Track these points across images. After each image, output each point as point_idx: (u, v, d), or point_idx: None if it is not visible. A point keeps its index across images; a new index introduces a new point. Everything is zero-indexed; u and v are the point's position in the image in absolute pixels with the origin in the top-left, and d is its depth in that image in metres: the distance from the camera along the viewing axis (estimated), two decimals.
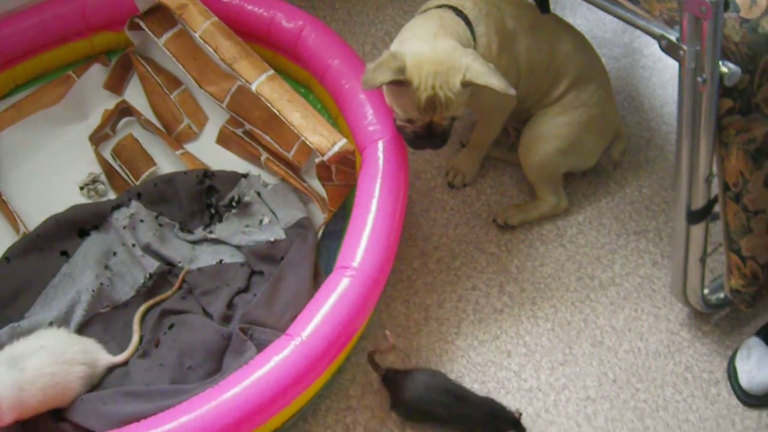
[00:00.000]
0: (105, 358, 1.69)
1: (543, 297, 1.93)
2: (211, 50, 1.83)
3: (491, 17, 1.78)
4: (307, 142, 1.73)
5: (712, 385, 1.84)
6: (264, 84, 1.80)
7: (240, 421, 1.47)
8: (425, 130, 1.73)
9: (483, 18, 1.77)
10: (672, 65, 2.27)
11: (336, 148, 1.72)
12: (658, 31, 1.44)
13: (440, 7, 1.75)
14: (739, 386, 1.83)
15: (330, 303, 1.59)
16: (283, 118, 1.76)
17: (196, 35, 1.84)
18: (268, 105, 1.78)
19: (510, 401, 1.78)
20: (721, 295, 1.87)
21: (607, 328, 1.90)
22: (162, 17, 1.96)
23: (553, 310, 1.91)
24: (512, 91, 1.63)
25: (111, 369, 1.71)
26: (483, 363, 1.83)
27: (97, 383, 1.68)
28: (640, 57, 2.34)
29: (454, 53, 1.64)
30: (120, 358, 1.71)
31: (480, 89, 1.70)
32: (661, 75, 2.31)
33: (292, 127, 1.75)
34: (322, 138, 1.73)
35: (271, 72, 1.83)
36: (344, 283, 1.61)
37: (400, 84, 1.63)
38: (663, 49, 1.43)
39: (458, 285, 1.93)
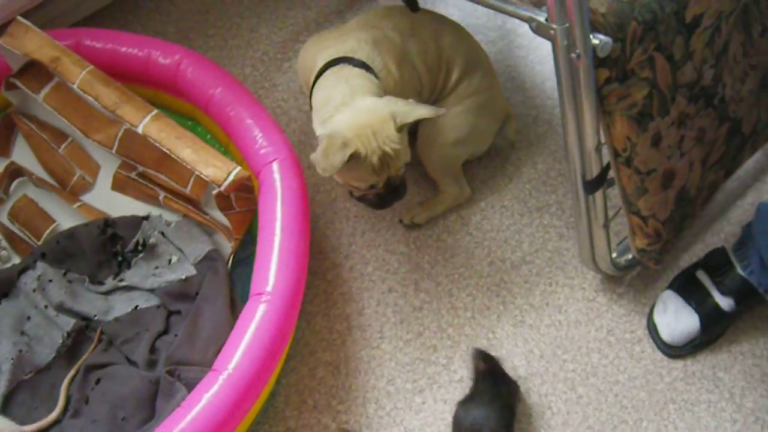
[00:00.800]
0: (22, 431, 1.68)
1: (459, 287, 1.96)
2: (92, 99, 1.81)
3: (378, 43, 1.80)
4: (202, 176, 1.72)
5: (636, 344, 1.90)
6: (150, 125, 1.78)
7: None
8: (387, 188, 1.75)
9: (372, 50, 1.79)
10: (546, 42, 2.31)
11: (231, 177, 1.72)
12: (526, 14, 1.47)
13: (333, 64, 1.76)
14: (661, 340, 1.89)
15: (250, 332, 1.59)
16: (174, 156, 1.75)
17: (74, 86, 1.82)
18: (158, 145, 1.77)
19: (444, 395, 1.81)
20: (629, 257, 1.93)
21: (526, 306, 1.94)
22: (37, 73, 1.92)
23: (470, 299, 1.94)
24: (442, 112, 1.68)
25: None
26: (411, 362, 1.86)
27: None
28: (515, 37, 2.38)
29: (377, 107, 1.66)
30: (35, 426, 1.69)
31: None
32: (537, 52, 2.35)
33: (184, 163, 1.74)
34: (216, 169, 1.73)
35: (155, 111, 1.81)
36: (261, 309, 1.61)
37: (350, 159, 1.63)
38: (534, 31, 1.46)
39: (374, 290, 1.95)
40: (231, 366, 1.55)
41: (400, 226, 2.05)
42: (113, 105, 1.81)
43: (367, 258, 2.00)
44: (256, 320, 1.61)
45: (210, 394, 1.53)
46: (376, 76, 1.76)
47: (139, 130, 1.79)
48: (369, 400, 1.81)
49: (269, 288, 1.64)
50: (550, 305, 1.94)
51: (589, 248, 1.84)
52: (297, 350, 1.87)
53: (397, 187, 1.79)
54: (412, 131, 1.95)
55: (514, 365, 1.85)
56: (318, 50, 1.81)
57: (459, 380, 1.83)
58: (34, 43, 1.85)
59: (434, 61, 1.90)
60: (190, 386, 1.61)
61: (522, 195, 2.10)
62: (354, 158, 1.64)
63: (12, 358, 1.76)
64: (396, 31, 1.85)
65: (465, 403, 1.74)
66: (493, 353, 1.84)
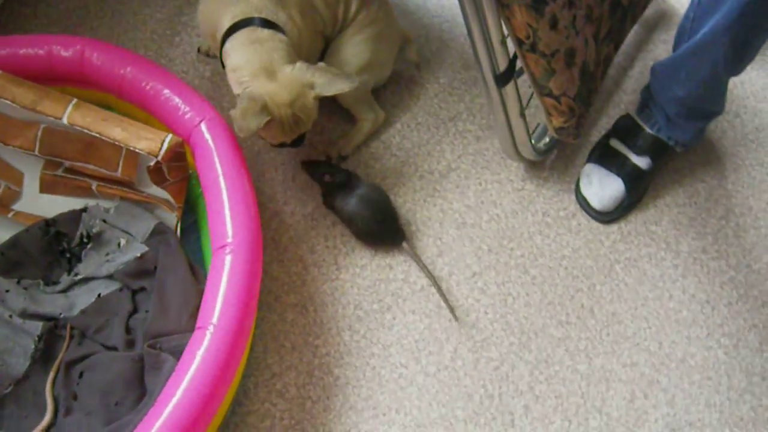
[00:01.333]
0: None
1: (397, 205, 2.05)
2: (8, 102, 1.81)
3: None
4: (137, 150, 1.76)
5: (571, 219, 2.04)
6: (73, 114, 1.80)
7: (197, 419, 1.52)
8: (295, 141, 1.88)
9: (276, 5, 1.85)
10: None
11: (165, 145, 1.76)
12: None
13: (241, 26, 1.82)
14: (593, 209, 2.03)
15: (224, 283, 1.64)
16: (105, 138, 1.77)
17: None
18: (86, 131, 1.79)
19: (410, 306, 1.92)
20: (547, 140, 2.07)
21: (463, 208, 2.05)
22: None
23: (411, 214, 2.04)
24: (356, 83, 1.79)
25: None
26: (372, 284, 1.95)
27: None
28: None
29: (297, 77, 1.76)
30: None
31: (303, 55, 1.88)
32: None
33: (116, 143, 1.77)
34: (149, 141, 1.77)
35: (75, 100, 1.83)
36: (228, 260, 1.66)
37: (266, 123, 1.74)
38: None
39: (319, 227, 2.02)
40: (214, 319, 1.60)
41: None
42: (32, 102, 1.81)
43: (304, 200, 2.06)
44: (227, 271, 1.65)
45: (202, 350, 1.57)
46: (284, 32, 1.83)
47: (64, 120, 1.80)
48: (342, 329, 1.89)
49: (229, 239, 1.69)
50: (485, 202, 2.05)
51: (510, 139, 1.96)
52: (262, 299, 1.92)
53: (301, 137, 1.90)
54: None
55: (467, 264, 1.96)
56: (220, 7, 1.86)
57: (420, 289, 1.93)
58: None
59: None
60: (176, 354, 1.65)
61: (433, 109, 2.20)
62: (270, 122, 1.75)
63: None
64: None
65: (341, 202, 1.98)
66: (446, 258, 1.96)
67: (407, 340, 1.88)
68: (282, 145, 1.90)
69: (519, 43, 1.73)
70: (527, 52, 1.74)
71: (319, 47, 2.02)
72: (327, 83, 1.77)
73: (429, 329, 1.89)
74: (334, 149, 2.12)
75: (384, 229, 1.96)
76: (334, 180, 1.97)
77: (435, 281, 1.91)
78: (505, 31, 1.72)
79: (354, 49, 2.02)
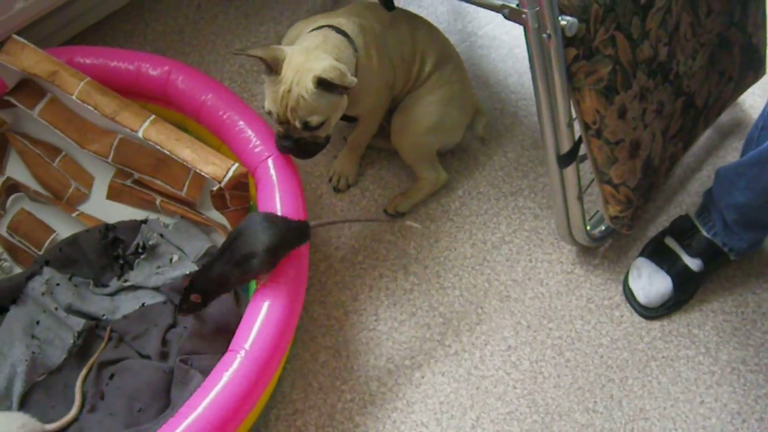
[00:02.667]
0: (44, 429, 1.75)
1: (445, 269, 2.11)
2: (91, 108, 1.92)
3: (364, 28, 1.96)
4: (203, 174, 1.85)
5: (615, 309, 2.07)
6: (149, 129, 1.91)
7: None
8: (285, 131, 1.88)
9: (359, 31, 1.94)
10: (506, 41, 2.55)
11: (230, 173, 1.84)
12: (498, 2, 1.65)
13: (320, 28, 1.90)
14: (638, 303, 2.06)
15: (263, 313, 1.70)
16: (174, 157, 1.87)
17: (73, 97, 1.93)
18: (158, 148, 1.89)
19: (441, 368, 1.96)
20: (602, 228, 2.11)
21: (509, 282, 2.10)
22: (30, 90, 2.04)
23: (457, 278, 2.10)
24: (354, 82, 1.81)
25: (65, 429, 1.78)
26: (407, 340, 2.00)
27: None
28: (476, 39, 2.57)
29: (319, 59, 1.80)
30: (57, 425, 1.77)
31: (359, 98, 1.93)
32: (498, 51, 2.54)
33: (185, 163, 1.86)
34: (216, 167, 1.85)
35: (153, 116, 1.93)
36: (270, 293, 1.74)
37: (272, 73, 1.80)
38: (507, 17, 1.63)
39: (366, 277, 2.09)
40: (247, 345, 1.65)
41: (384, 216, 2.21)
42: (112, 112, 1.93)
43: (356, 248, 2.14)
44: (267, 302, 1.71)
45: (230, 372, 1.62)
46: (356, 50, 1.91)
47: (140, 134, 1.90)
48: (371, 379, 1.95)
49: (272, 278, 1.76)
50: (532, 279, 2.10)
51: (566, 222, 2.01)
52: (298, 337, 1.99)
53: (297, 143, 1.89)
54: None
55: (504, 336, 2.01)
56: (306, 24, 1.97)
57: (454, 353, 1.98)
58: (30, 59, 1.97)
59: (409, 53, 2.06)
60: (205, 373, 1.70)
61: (496, 181, 2.27)
62: (274, 74, 1.81)
63: (26, 360, 1.84)
64: (377, 22, 2.01)
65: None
66: (484, 327, 2.00)
67: (432, 400, 1.92)
68: (277, 143, 1.91)
69: (585, 127, 1.80)
70: (592, 137, 1.81)
71: (384, 101, 2.09)
72: (329, 69, 1.78)
73: (455, 393, 1.93)
74: (391, 203, 2.19)
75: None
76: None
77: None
78: (573, 114, 1.78)
79: (424, 108, 2.10)
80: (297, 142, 1.88)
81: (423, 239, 2.16)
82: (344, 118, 2.01)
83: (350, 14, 2.00)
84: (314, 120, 1.83)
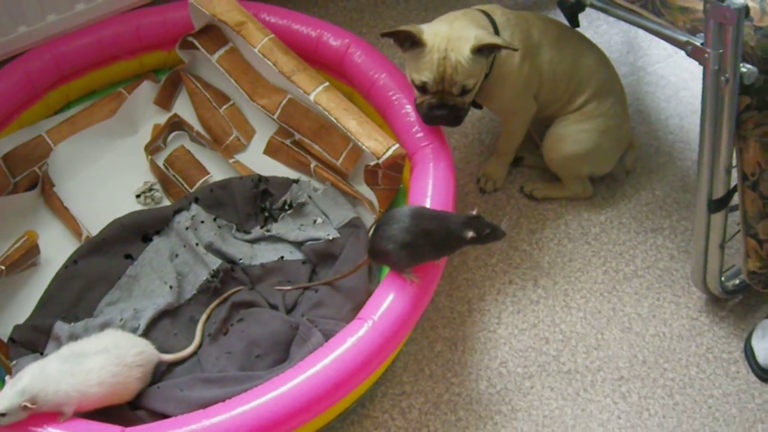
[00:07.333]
0: (160, 358, 1.90)
1: (574, 289, 2.25)
2: (270, 64, 2.11)
3: (518, 27, 2.11)
4: (364, 147, 2.02)
5: (732, 364, 2.17)
6: (321, 94, 2.09)
7: (320, 398, 1.69)
8: (439, 100, 2.03)
9: (509, 26, 2.10)
10: (673, 82, 2.67)
11: (390, 152, 2.01)
12: (683, 38, 1.77)
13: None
14: (757, 364, 2.15)
15: (394, 291, 1.84)
16: (340, 126, 2.05)
17: (255, 50, 2.12)
18: (325, 114, 2.07)
19: (551, 383, 2.09)
20: (737, 281, 2.20)
21: (634, 315, 2.22)
22: (214, 36, 2.24)
23: (583, 300, 2.23)
24: (514, 46, 1.98)
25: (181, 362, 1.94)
26: (524, 349, 2.14)
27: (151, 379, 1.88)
28: (644, 74, 2.72)
29: (468, 28, 1.98)
30: (172, 357, 1.92)
31: (494, 89, 2.09)
32: (664, 90, 2.69)
33: (348, 134, 2.04)
34: (377, 143, 2.02)
35: (327, 83, 2.12)
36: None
37: (416, 47, 1.97)
38: (689, 54, 1.75)
39: (496, 280, 2.25)
40: (376, 316, 1.79)
41: (524, 226, 2.35)
42: (290, 71, 2.10)
43: (491, 251, 2.29)
44: (400, 283, 1.85)
45: (354, 338, 1.75)
46: (496, 33, 2.07)
47: (311, 97, 2.08)
48: (481, 378, 2.09)
49: None
50: (657, 317, 2.22)
51: (702, 267, 2.12)
52: (419, 323, 2.14)
53: (450, 107, 2.05)
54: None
55: (618, 366, 2.13)
56: None
57: (566, 372, 2.11)
58: (222, 5, 2.16)
59: (564, 75, 2.21)
60: (327, 336, 1.85)
61: (639, 216, 2.40)
62: (419, 47, 1.97)
63: (171, 287, 2.01)
64: (541, 32, 2.17)
65: None
66: (600, 353, 2.14)
67: (536, 412, 2.05)
68: (424, 113, 2.06)
69: (743, 177, 1.90)
70: (748, 188, 1.91)
71: (524, 106, 2.23)
72: (486, 36, 1.97)
73: (560, 410, 2.05)
74: (530, 184, 2.37)
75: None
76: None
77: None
78: (734, 161, 1.89)
79: (577, 135, 2.25)
80: (452, 109, 2.04)
81: (557, 256, 2.30)
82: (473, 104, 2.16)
83: (512, 12, 2.14)
84: (470, 83, 2.01)
